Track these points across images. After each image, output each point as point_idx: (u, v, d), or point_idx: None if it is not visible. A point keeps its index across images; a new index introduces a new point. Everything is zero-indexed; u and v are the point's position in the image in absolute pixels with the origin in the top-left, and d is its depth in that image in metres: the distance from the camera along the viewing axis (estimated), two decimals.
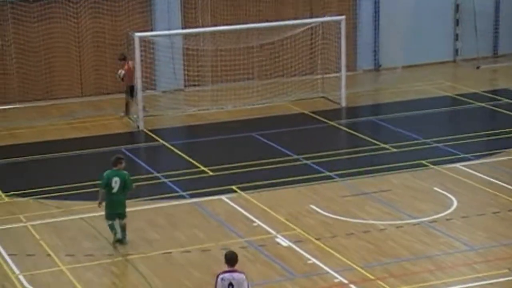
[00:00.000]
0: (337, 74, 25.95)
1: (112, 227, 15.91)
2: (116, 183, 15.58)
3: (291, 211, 17.54)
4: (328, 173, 19.54)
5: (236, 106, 25.45)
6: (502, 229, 16.34)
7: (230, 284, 11.45)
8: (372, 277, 14.54)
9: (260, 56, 27.51)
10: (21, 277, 14.96)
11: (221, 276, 11.55)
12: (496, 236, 16.03)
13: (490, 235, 16.10)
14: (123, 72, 24.04)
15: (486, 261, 15.01)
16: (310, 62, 27.86)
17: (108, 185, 15.62)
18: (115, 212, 15.78)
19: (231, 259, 11.67)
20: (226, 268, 11.66)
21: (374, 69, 29.24)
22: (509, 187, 18.31)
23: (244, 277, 11.58)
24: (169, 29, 26.26)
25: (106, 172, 15.85)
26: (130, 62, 24.00)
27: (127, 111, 24.41)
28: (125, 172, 15.87)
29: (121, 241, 15.87)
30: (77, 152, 21.89)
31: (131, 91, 24.02)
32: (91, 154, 21.71)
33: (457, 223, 16.69)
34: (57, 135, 23.32)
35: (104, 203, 15.77)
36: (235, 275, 11.55)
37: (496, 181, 18.70)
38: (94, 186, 18.84)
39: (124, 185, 15.69)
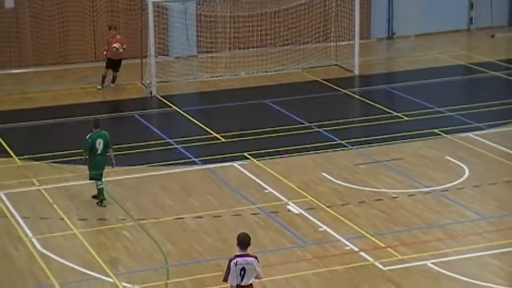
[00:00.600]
0: (351, 42, 25.84)
1: (100, 189, 16.24)
2: (99, 144, 16.05)
3: (303, 179, 17.59)
4: (340, 141, 19.54)
5: (249, 73, 25.42)
6: None
7: (243, 269, 11.22)
8: (383, 245, 14.61)
9: (274, 23, 27.39)
10: (34, 240, 15.11)
11: (234, 261, 11.22)
12: (507, 205, 16.04)
13: (502, 204, 16.11)
14: (122, 47, 23.74)
15: (497, 230, 15.04)
16: (324, 30, 27.73)
17: (93, 147, 16.02)
18: (99, 172, 16.16)
19: (243, 241, 11.28)
20: (238, 251, 11.33)
21: (387, 37, 29.07)
22: None
23: (257, 260, 11.32)
24: None
25: (89, 135, 16.20)
26: (118, 36, 23.97)
27: (102, 82, 24.18)
28: (105, 132, 16.27)
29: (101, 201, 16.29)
30: (91, 117, 21.94)
31: (113, 64, 24.02)
32: (104, 119, 21.73)
33: (469, 192, 16.70)
34: (71, 99, 23.39)
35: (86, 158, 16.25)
36: (249, 259, 11.25)
37: (509, 151, 18.66)
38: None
39: (106, 145, 16.13)
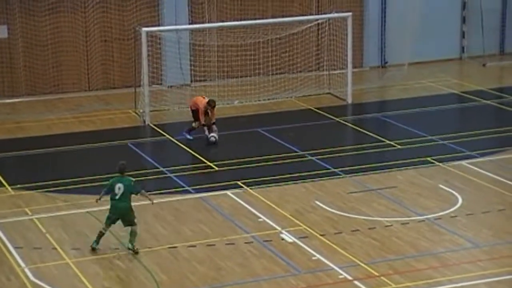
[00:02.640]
0: (343, 71, 25.96)
1: (101, 232, 15.75)
2: (119, 189, 15.55)
3: (297, 207, 17.58)
4: (333, 169, 19.56)
5: (242, 102, 25.49)
6: (508, 226, 16.35)
7: None
8: (377, 274, 14.58)
9: (267, 52, 27.53)
10: (27, 270, 15.03)
11: None
12: (501, 233, 16.05)
13: (495, 232, 16.11)
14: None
15: (492, 258, 15.03)
16: (317, 58, 27.89)
17: (112, 190, 15.63)
18: (115, 216, 15.67)
19: None
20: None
21: (380, 66, 29.24)
22: None
23: None
24: (176, 24, 26.30)
25: (112, 179, 15.75)
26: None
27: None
28: (130, 178, 15.79)
29: (94, 248, 15.75)
30: (84, 146, 21.95)
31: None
32: (97, 148, 21.77)
33: (462, 221, 16.71)
34: (64, 128, 23.39)
35: (101, 200, 15.80)
36: None
37: (502, 179, 18.71)
38: (101, 179, 18.94)
39: (127, 192, 15.58)
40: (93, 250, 15.65)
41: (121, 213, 15.63)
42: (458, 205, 17.46)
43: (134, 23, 26.13)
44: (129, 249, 15.61)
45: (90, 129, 23.38)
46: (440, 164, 19.83)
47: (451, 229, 16.32)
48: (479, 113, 24.31)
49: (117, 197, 15.58)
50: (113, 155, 21.35)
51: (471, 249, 15.47)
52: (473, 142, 21.28)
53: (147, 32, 23.76)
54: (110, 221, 15.71)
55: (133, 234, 15.66)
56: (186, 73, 27.07)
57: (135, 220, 15.68)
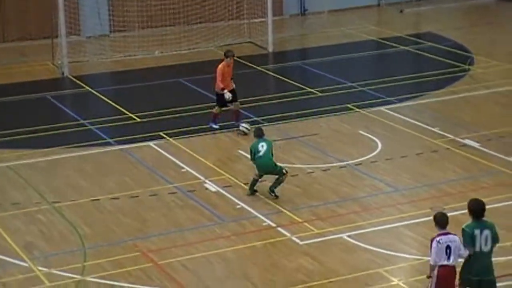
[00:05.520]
0: (264, 19, 25.93)
1: (252, 183, 15.69)
2: (263, 147, 15.55)
3: (220, 157, 17.64)
4: (256, 118, 19.63)
5: (163, 52, 25.24)
6: (425, 170, 16.77)
7: (448, 247, 10.89)
8: (300, 220, 14.81)
9: (186, 1, 27.23)
10: None
11: (437, 239, 10.92)
12: (419, 177, 16.45)
13: (414, 176, 16.51)
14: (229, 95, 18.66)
15: (410, 201, 15.42)
16: (237, 7, 27.73)
17: (256, 152, 15.58)
18: (262, 173, 15.61)
19: (441, 221, 10.97)
20: (440, 230, 10.98)
21: (300, 14, 29.29)
22: (432, 129, 18.74)
23: (458, 238, 10.99)
24: None
25: (252, 143, 15.78)
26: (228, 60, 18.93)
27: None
28: (269, 140, 15.87)
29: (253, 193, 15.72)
30: (1, 99, 21.48)
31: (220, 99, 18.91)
32: (15, 102, 21.32)
33: (382, 165, 17.05)
34: None
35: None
36: (451, 237, 10.95)
37: (420, 123, 19.11)
38: (20, 133, 18.63)
39: (271, 150, 15.61)
40: (253, 194, 15.60)
41: (267, 170, 15.56)
42: (378, 150, 17.80)
43: None
44: (270, 192, 15.50)
45: (6, 82, 22.85)
46: (360, 110, 20.12)
47: (371, 174, 16.65)
48: (397, 59, 24.66)
49: (261, 153, 15.49)
50: (32, 109, 20.99)
51: (391, 193, 15.84)
52: (391, 88, 21.62)
53: None
54: (259, 176, 15.66)
55: (278, 181, 15.53)
56: (104, 23, 26.61)
57: (283, 170, 15.54)
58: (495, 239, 11.19)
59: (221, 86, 18.62)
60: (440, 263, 10.99)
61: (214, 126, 19.00)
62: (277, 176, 15.64)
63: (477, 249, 11.07)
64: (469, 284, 11.24)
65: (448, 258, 10.97)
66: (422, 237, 13.98)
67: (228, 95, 18.59)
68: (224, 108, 18.95)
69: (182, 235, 14.39)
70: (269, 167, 15.61)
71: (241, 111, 19.28)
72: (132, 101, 21.29)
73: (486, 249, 11.11)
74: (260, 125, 16.14)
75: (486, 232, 11.10)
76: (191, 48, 25.49)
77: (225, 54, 19.00)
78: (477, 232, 11.04)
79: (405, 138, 18.43)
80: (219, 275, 13.27)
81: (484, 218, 11.20)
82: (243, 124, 18.70)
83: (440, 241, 10.92)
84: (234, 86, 18.96)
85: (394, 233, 14.34)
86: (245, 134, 18.45)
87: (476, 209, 11.18)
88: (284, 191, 15.87)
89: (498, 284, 11.48)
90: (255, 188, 15.77)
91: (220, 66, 18.76)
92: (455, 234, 11.06)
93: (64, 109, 20.91)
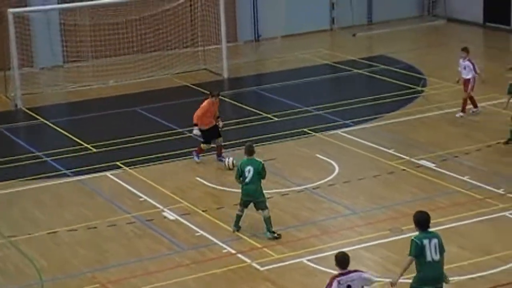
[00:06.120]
0: (218, 46, 26.03)
1: (238, 216, 15.19)
2: (249, 172, 14.91)
3: (178, 184, 17.58)
4: (212, 145, 19.61)
5: (118, 81, 25.17)
6: (382, 192, 16.89)
7: (349, 286, 10.68)
8: (260, 245, 14.79)
9: (141, 29, 27.25)
10: None
11: (337, 279, 10.72)
12: (376, 199, 16.56)
13: (371, 198, 16.61)
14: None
15: (368, 223, 15.50)
16: (191, 34, 27.82)
17: (242, 174, 14.97)
18: (247, 199, 15.02)
19: (342, 261, 10.83)
20: (341, 270, 10.82)
21: (254, 40, 29.47)
22: (388, 150, 18.92)
23: (361, 272, 10.89)
24: (44, 4, 25.63)
25: (241, 161, 15.18)
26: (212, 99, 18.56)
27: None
28: (259, 160, 15.14)
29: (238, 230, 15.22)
30: None
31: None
32: None
33: (340, 188, 17.14)
34: None
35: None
36: (352, 276, 10.75)
37: (376, 146, 19.28)
38: None
39: (257, 174, 14.94)
40: (236, 231, 15.08)
41: (254, 195, 14.94)
42: (335, 173, 17.89)
43: (0, 4, 25.28)
44: (270, 238, 14.90)
45: None
46: (317, 134, 20.24)
47: (330, 197, 16.72)
48: (351, 83, 24.90)
49: (247, 180, 14.93)
50: None
51: (349, 216, 15.91)
52: (347, 111, 21.80)
53: (13, 14, 23.08)
54: (244, 205, 15.11)
55: (267, 221, 14.97)
56: (58, 53, 26.47)
57: (266, 204, 15.01)
58: (443, 248, 11.41)
59: (195, 121, 18.22)
60: None
61: (197, 159, 18.52)
62: (260, 211, 15.01)
63: (429, 258, 11.27)
64: None
65: None
66: (382, 258, 14.06)
67: (197, 132, 18.22)
68: (211, 145, 18.54)
69: (142, 265, 14.28)
70: (253, 196, 15.01)
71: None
72: (87, 132, 21.16)
73: (436, 258, 11.31)
74: (251, 143, 15.48)
75: (435, 241, 11.33)
76: (146, 76, 25.45)
77: (210, 94, 18.52)
78: (426, 242, 11.27)
79: (361, 161, 18.57)
80: None
81: (430, 229, 11.37)
82: (231, 158, 18.07)
83: (341, 281, 10.73)
84: (221, 124, 18.59)
85: (353, 255, 14.18)
86: (230, 169, 17.83)
87: (422, 220, 11.39)
88: (243, 217, 15.83)
89: None
90: (239, 224, 15.25)
91: (205, 103, 18.31)
92: (356, 271, 10.85)
93: (18, 141, 20.70)
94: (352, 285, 10.79)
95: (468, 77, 20.62)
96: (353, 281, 10.80)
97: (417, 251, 11.22)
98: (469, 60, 20.75)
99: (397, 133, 20.11)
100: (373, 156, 18.74)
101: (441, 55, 27.20)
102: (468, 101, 20.86)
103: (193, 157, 18.65)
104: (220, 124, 18.68)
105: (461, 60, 20.84)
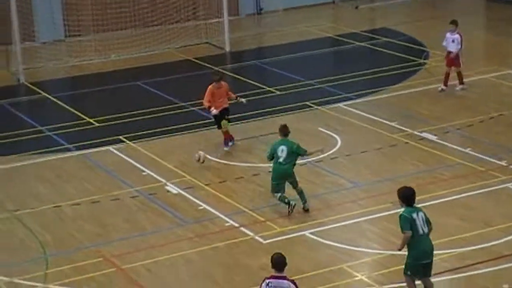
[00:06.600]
0: (220, 19, 25.93)
1: (281, 198, 14.87)
2: (282, 151, 14.71)
3: (180, 159, 17.61)
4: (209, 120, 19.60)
5: (120, 55, 25.13)
6: (385, 164, 16.91)
7: None
8: (262, 219, 14.84)
9: (142, 3, 27.14)
10: None
11: (267, 281, 10.29)
12: (378, 172, 16.58)
13: (373, 171, 16.64)
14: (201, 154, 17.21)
15: (371, 196, 15.54)
16: (193, 8, 27.71)
17: (275, 154, 14.74)
18: (279, 181, 14.76)
19: (278, 263, 10.33)
20: (276, 273, 10.37)
21: (256, 13, 29.35)
22: (390, 123, 18.91)
23: (294, 286, 10.25)
24: None
25: (274, 141, 14.98)
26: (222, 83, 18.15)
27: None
28: (292, 140, 14.91)
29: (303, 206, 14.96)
30: None
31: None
32: None
33: (342, 162, 17.16)
34: None
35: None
36: (282, 283, 10.23)
37: (377, 118, 19.26)
38: None
39: (291, 154, 14.69)
40: (292, 207, 14.71)
41: (283, 177, 14.74)
42: (338, 146, 17.90)
43: None
44: (307, 210, 14.82)
45: None
46: (319, 107, 20.22)
47: (332, 170, 16.75)
48: (353, 56, 24.82)
49: (280, 160, 14.75)
50: None
51: (352, 189, 15.95)
52: (349, 84, 21.76)
53: None
54: (279, 188, 14.81)
55: (302, 195, 14.86)
56: (59, 28, 26.41)
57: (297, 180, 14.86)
58: (429, 220, 11.49)
59: (206, 105, 17.85)
60: None
61: (226, 148, 17.86)
62: (293, 187, 14.84)
63: (420, 232, 11.35)
64: (415, 271, 11.41)
65: None
66: (384, 231, 14.11)
67: (215, 111, 17.71)
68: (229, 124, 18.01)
69: (145, 239, 14.35)
70: (286, 175, 14.80)
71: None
72: (90, 106, 21.16)
73: (426, 230, 11.40)
74: (285, 123, 15.14)
75: (421, 214, 11.44)
76: (148, 51, 25.40)
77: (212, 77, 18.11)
78: (414, 215, 11.37)
79: (364, 134, 18.57)
80: (183, 277, 13.25)
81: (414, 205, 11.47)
82: (203, 153, 17.12)
83: (270, 284, 10.28)
84: (243, 100, 18.17)
85: (356, 228, 14.45)
86: (199, 161, 16.99)
87: (409, 195, 11.48)
88: (246, 190, 15.90)
89: (455, 276, 11.65)
90: (286, 201, 14.82)
91: (210, 86, 17.95)
92: (290, 280, 10.33)
93: (21, 116, 20.71)
94: None
95: (455, 50, 20.53)
96: None
97: (409, 225, 11.25)
98: (458, 33, 20.67)
99: (399, 106, 20.09)
100: (375, 129, 18.73)
101: (443, 27, 27.05)
102: (453, 78, 20.74)
103: (224, 147, 17.86)
104: (242, 100, 18.17)
105: (448, 34, 20.74)
